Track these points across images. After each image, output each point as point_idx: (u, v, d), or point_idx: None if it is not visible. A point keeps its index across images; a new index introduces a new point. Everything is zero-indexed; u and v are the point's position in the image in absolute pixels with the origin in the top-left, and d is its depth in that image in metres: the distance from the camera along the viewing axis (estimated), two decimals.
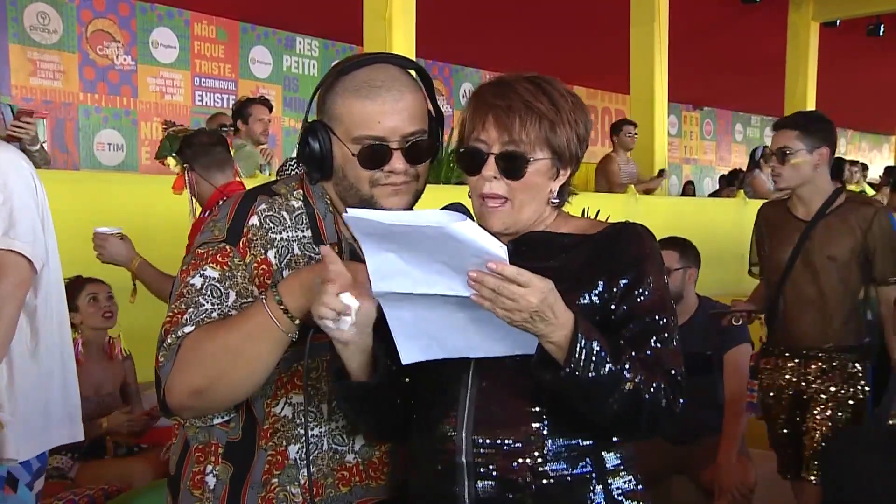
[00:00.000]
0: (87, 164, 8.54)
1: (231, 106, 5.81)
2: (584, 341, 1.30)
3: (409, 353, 1.38)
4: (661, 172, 7.89)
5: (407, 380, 1.50)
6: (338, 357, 1.42)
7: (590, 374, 1.31)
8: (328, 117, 1.57)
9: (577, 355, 1.30)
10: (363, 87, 1.52)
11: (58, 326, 2.36)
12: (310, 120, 1.59)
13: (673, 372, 1.41)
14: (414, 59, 6.32)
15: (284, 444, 1.56)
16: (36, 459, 2.28)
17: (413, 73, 1.62)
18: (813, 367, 3.17)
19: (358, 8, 6.00)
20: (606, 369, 1.32)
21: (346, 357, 1.40)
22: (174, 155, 3.39)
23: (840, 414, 3.13)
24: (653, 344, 1.42)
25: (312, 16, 9.38)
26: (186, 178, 3.37)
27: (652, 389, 1.36)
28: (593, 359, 1.31)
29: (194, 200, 3.39)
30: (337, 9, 7.63)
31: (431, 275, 1.26)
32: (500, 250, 1.21)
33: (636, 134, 7.54)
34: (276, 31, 10.14)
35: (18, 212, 2.17)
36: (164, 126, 3.59)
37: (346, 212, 1.25)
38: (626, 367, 1.35)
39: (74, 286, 3.49)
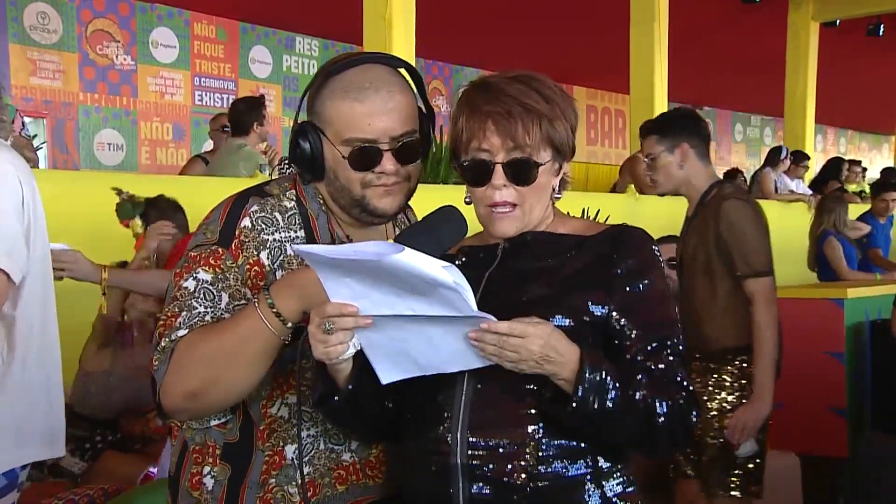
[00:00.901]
0: (87, 164, 8.54)
1: (236, 105, 5.69)
2: (590, 373, 1.32)
3: (387, 374, 1.37)
4: None
5: (401, 384, 1.48)
6: (320, 382, 1.42)
7: (599, 405, 1.32)
8: (318, 119, 1.56)
9: (585, 387, 1.31)
10: (352, 88, 1.51)
11: (40, 338, 2.22)
12: (300, 121, 1.57)
13: (686, 383, 1.41)
14: (414, 58, 6.31)
15: (281, 444, 1.56)
16: (2, 476, 2.13)
17: (403, 71, 1.61)
18: (693, 372, 3.02)
19: (358, 8, 6.00)
20: (616, 396, 1.33)
21: (339, 370, 1.40)
22: (140, 216, 3.54)
23: (711, 424, 2.97)
24: (665, 357, 1.42)
25: (312, 16, 9.38)
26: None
27: (666, 409, 1.37)
28: (603, 388, 1.32)
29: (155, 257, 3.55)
30: (337, 9, 7.63)
31: (389, 296, 1.25)
32: (443, 273, 1.19)
33: None
34: (275, 31, 10.13)
35: None
36: (117, 192, 3.62)
37: (293, 247, 1.29)
38: (637, 390, 1.36)
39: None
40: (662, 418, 1.37)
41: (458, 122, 1.48)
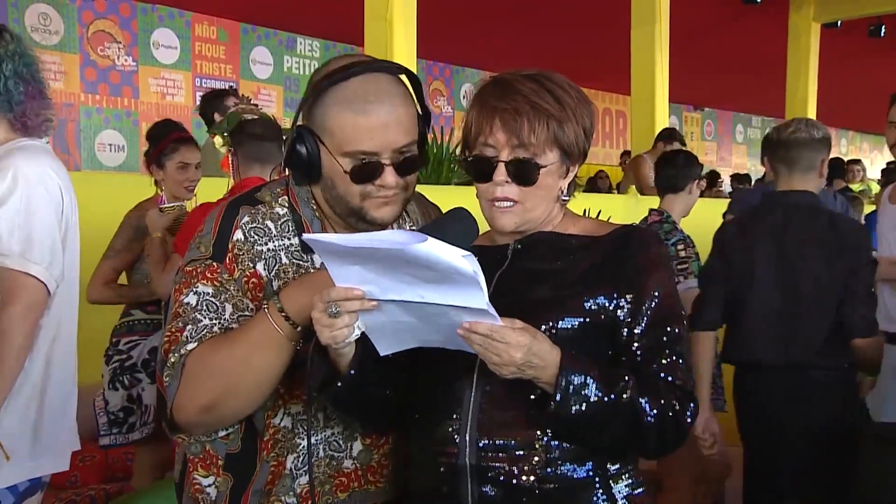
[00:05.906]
0: (89, 164, 8.56)
1: (201, 100, 5.43)
2: (570, 376, 1.31)
3: (385, 347, 1.37)
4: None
5: (405, 374, 1.48)
6: (322, 367, 1.41)
7: (580, 407, 1.32)
8: (317, 127, 1.51)
9: (565, 390, 1.31)
10: (356, 100, 1.46)
11: (64, 344, 2.21)
12: (298, 125, 1.54)
13: (679, 383, 1.40)
14: (415, 60, 6.28)
15: (285, 454, 1.55)
16: (8, 492, 2.09)
17: (403, 77, 1.57)
18: None
19: (359, 9, 6.00)
20: (598, 399, 1.33)
21: (342, 354, 1.39)
22: (225, 134, 3.37)
23: None
24: (665, 356, 1.42)
25: (313, 16, 9.39)
26: (230, 160, 3.36)
27: (656, 410, 1.36)
28: (583, 392, 1.32)
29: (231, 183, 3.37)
30: (338, 9, 7.64)
31: (399, 283, 1.25)
32: (463, 262, 1.19)
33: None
34: (276, 32, 10.15)
35: (37, 232, 2.06)
36: (243, 99, 3.46)
37: (303, 236, 1.28)
38: (623, 394, 1.35)
39: (166, 142, 3.34)
40: (650, 419, 1.36)
41: (469, 116, 1.48)
